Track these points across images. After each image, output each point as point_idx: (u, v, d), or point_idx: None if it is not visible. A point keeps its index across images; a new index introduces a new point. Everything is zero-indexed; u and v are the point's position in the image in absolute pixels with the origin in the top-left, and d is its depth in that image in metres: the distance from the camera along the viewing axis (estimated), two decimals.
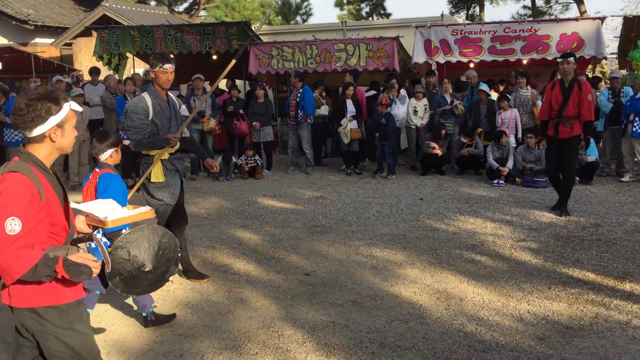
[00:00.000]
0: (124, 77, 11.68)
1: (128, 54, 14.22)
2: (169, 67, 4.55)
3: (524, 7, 26.81)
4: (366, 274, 5.15)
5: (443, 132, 10.19)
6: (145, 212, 3.06)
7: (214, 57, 14.53)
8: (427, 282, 4.91)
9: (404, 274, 5.14)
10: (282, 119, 13.38)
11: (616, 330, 3.88)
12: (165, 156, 4.71)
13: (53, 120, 2.36)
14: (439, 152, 10.15)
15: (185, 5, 30.57)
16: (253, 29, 14.83)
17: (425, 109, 10.80)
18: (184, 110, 5.07)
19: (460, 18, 23.07)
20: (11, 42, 19.64)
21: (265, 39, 14.90)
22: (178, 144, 4.77)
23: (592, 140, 9.21)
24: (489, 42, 11.61)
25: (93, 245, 3.53)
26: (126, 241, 2.78)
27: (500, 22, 11.93)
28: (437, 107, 10.76)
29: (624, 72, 12.07)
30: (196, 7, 29.66)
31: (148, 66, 15.68)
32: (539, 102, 10.12)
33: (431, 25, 12.20)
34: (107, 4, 20.11)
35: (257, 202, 8.27)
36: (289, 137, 10.97)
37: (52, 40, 20.54)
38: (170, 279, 3.46)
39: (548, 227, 6.53)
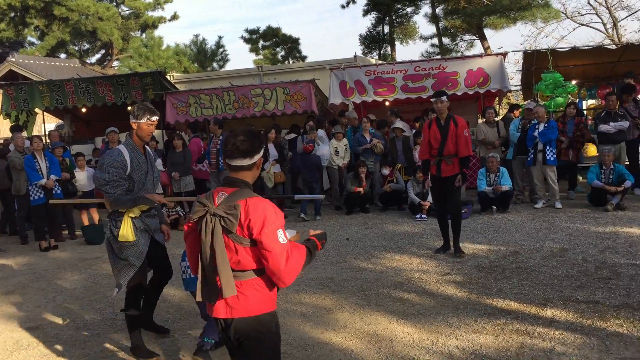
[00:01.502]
0: (32, 134, 11.17)
1: (37, 110, 13.69)
2: (155, 119, 4.44)
3: (432, 45, 28.08)
4: (296, 322, 5.04)
5: (364, 170, 10.36)
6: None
7: (129, 107, 14.23)
8: (357, 325, 4.87)
9: (334, 319, 5.07)
10: None
11: (541, 359, 3.96)
12: (136, 213, 4.40)
13: (261, 152, 2.81)
14: (362, 190, 10.28)
15: (98, 56, 30.01)
16: (168, 78, 14.70)
17: (345, 148, 10.97)
18: (159, 164, 4.76)
19: (373, 58, 23.84)
20: None
21: (181, 87, 14.77)
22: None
23: (504, 169, 9.63)
24: (401, 81, 12.03)
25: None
26: None
27: (411, 62, 12.42)
28: (358, 146, 10.96)
29: (534, 103, 12.70)
30: (109, 57, 29.16)
31: (60, 121, 15.23)
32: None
33: (345, 67, 12.51)
34: (14, 59, 19.40)
35: (178, 255, 7.99)
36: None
37: None
38: None
39: (471, 259, 6.68)
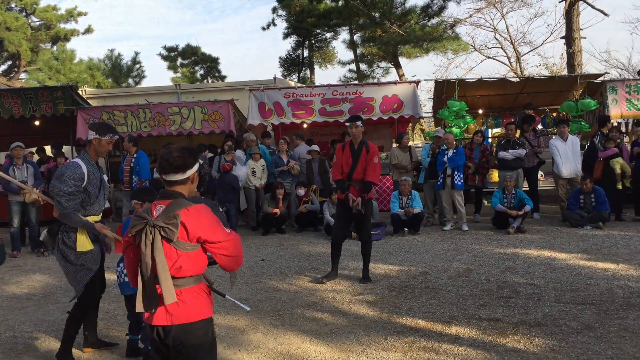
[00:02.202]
0: None
1: None
2: (116, 137, 4.75)
3: (350, 70, 28.83)
4: None
5: (281, 191, 10.44)
6: None
7: (37, 122, 13.65)
8: (270, 345, 4.88)
9: (247, 339, 5.06)
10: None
11: None
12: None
13: (196, 166, 2.96)
14: (278, 211, 10.34)
15: (4, 67, 28.53)
16: (80, 92, 14.22)
17: (262, 169, 11.01)
18: (105, 178, 4.82)
19: (293, 81, 24.14)
20: None
21: (94, 102, 14.34)
22: (101, 213, 4.73)
23: (416, 192, 10.01)
24: (319, 104, 12.27)
25: None
26: None
27: (329, 86, 12.70)
28: (275, 167, 11.04)
29: (443, 130, 13.29)
30: (16, 69, 27.80)
31: None
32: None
33: (264, 88, 12.61)
34: None
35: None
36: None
37: None
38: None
39: (383, 279, 6.88)
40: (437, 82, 13.72)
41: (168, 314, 2.80)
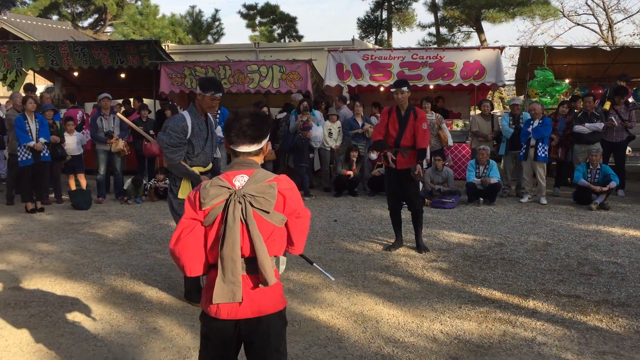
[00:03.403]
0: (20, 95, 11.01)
1: (28, 71, 13.52)
2: (219, 96, 4.74)
3: (430, 34, 28.08)
4: None
5: (355, 154, 10.42)
6: None
7: (122, 75, 14.13)
8: (343, 305, 4.94)
9: (321, 297, 5.15)
10: None
11: (523, 347, 4.07)
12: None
13: (268, 136, 2.63)
14: (351, 174, 10.35)
15: (90, 20, 29.57)
16: (163, 47, 14.57)
17: (339, 131, 11.00)
18: (219, 131, 5.05)
19: (370, 43, 23.79)
20: None
21: (176, 57, 14.66)
22: (210, 164, 4.90)
23: (494, 162, 9.74)
24: (398, 68, 12.04)
25: None
26: None
27: (409, 49, 12.43)
28: (349, 129, 11.00)
29: (522, 98, 12.87)
30: (102, 23, 28.75)
31: (50, 83, 15.05)
32: (444, 126, 10.59)
33: (343, 49, 12.49)
34: (5, 17, 19.07)
35: (168, 225, 8.04)
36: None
37: None
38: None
39: (457, 247, 6.79)
40: (522, 48, 13.16)
41: (254, 303, 2.46)
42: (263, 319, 2.47)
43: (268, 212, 2.43)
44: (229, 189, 2.42)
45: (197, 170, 4.76)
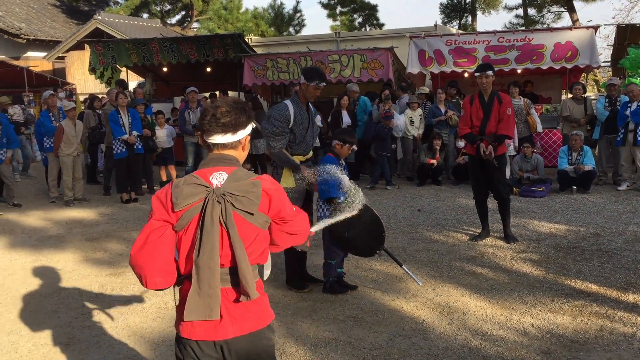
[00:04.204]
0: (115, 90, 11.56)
1: (122, 68, 14.19)
2: (323, 85, 4.84)
3: (517, 16, 26.99)
4: (367, 288, 5.08)
5: (439, 142, 10.19)
6: None
7: (208, 69, 14.54)
8: (428, 295, 4.85)
9: (404, 287, 5.08)
10: None
11: (622, 344, 3.83)
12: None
13: (249, 128, 2.32)
14: (435, 162, 10.14)
15: (178, 17, 30.63)
16: (247, 40, 14.86)
17: (420, 119, 10.80)
18: (318, 120, 5.21)
19: (453, 28, 23.18)
20: (3, 56, 19.55)
21: (258, 50, 14.91)
22: (311, 152, 5.02)
23: (588, 148, 9.22)
24: (483, 52, 11.64)
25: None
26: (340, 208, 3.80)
27: (494, 32, 11.99)
28: (432, 117, 10.77)
29: (618, 79, 12.10)
30: (189, 19, 29.72)
31: (142, 79, 15.74)
32: (533, 111, 10.14)
33: (425, 35, 12.22)
34: (100, 17, 20.09)
35: None
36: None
37: (45, 53, 20.49)
38: (378, 252, 4.74)
39: (548, 238, 6.49)
40: (619, 27, 12.38)
41: (236, 320, 2.15)
42: (249, 337, 2.17)
43: (252, 214, 2.13)
44: (206, 187, 2.12)
45: (297, 159, 4.85)
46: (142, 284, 2.13)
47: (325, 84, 4.89)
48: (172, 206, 2.11)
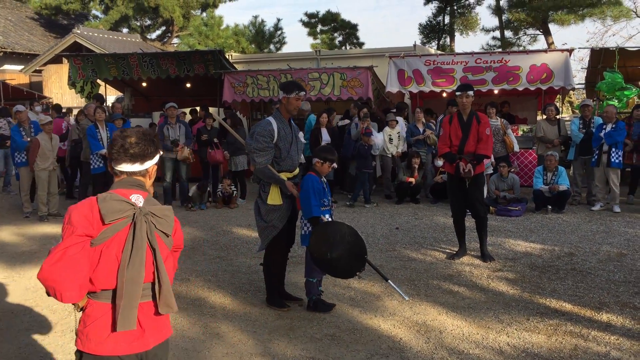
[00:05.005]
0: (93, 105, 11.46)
1: (100, 82, 14.10)
2: (303, 94, 4.92)
3: (494, 38, 27.42)
4: (344, 306, 5.08)
5: (417, 160, 10.28)
6: None
7: (188, 84, 14.52)
8: (405, 314, 4.86)
9: (382, 306, 5.08)
10: None
11: None
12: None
13: (156, 158, 2.45)
14: (413, 181, 10.22)
15: (158, 32, 30.59)
16: (227, 57, 14.88)
17: (399, 136, 10.90)
18: (301, 136, 5.21)
19: (432, 48, 23.48)
20: None
21: (239, 67, 14.93)
22: (297, 169, 5.02)
23: (563, 168, 9.38)
24: (461, 73, 11.82)
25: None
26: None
27: (472, 53, 12.18)
28: (410, 136, 10.88)
29: (592, 101, 12.36)
30: (169, 34, 29.71)
31: (121, 93, 15.66)
32: (510, 131, 10.29)
33: (404, 55, 12.37)
34: (79, 31, 19.99)
35: (232, 232, 8.16)
36: None
37: (22, 67, 20.28)
38: (358, 273, 4.68)
39: (523, 257, 6.56)
40: (593, 50, 12.63)
41: (154, 331, 2.32)
42: (161, 345, 2.39)
43: (168, 236, 2.32)
44: (132, 205, 2.23)
45: (284, 176, 4.85)
46: (56, 297, 2.15)
47: (304, 92, 4.96)
48: (100, 219, 2.18)
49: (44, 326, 4.78)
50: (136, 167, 2.35)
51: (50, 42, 22.92)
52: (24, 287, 5.84)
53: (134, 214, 2.22)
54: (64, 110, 13.39)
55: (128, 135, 2.35)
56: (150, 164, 2.41)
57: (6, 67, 20.56)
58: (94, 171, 9.24)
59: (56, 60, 19.14)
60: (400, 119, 11.32)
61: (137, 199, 2.28)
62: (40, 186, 9.19)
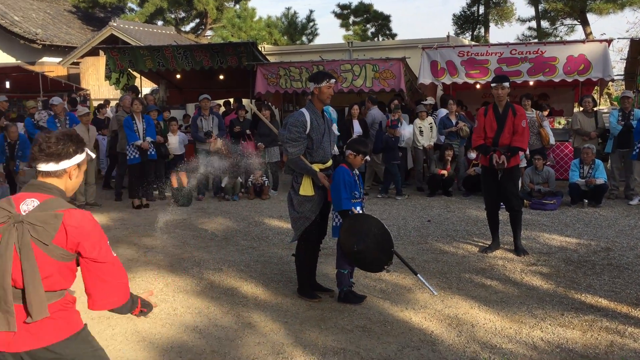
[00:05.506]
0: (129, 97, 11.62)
1: (135, 74, 14.31)
2: (333, 81, 4.92)
3: (530, 28, 26.92)
4: (375, 298, 5.08)
5: (450, 153, 10.19)
6: None
7: (221, 77, 14.63)
8: (437, 307, 4.85)
9: (413, 298, 5.08)
10: None
11: (632, 359, 3.80)
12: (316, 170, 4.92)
13: (77, 159, 2.44)
14: (445, 173, 10.14)
15: (192, 25, 30.84)
16: (260, 49, 14.94)
17: (431, 128, 10.81)
18: (335, 128, 5.27)
19: (466, 39, 23.17)
20: (19, 61, 19.79)
21: (271, 59, 14.97)
22: (330, 161, 5.03)
23: (600, 161, 9.18)
24: (495, 64, 11.62)
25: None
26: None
27: (507, 44, 11.96)
28: (443, 128, 10.78)
29: (632, 92, 12.05)
30: (203, 27, 29.93)
31: (156, 85, 15.88)
32: (545, 124, 10.12)
33: (438, 46, 12.23)
34: (115, 24, 20.28)
35: (264, 223, 8.23)
36: None
37: (60, 59, 20.70)
38: (386, 267, 4.72)
39: (558, 251, 6.46)
40: (633, 40, 12.30)
41: (31, 335, 2.29)
42: (52, 347, 2.32)
43: (47, 245, 2.25)
44: (9, 212, 2.25)
45: (316, 167, 4.87)
46: None
47: (334, 80, 4.98)
48: None
49: (82, 313, 4.90)
50: (51, 166, 2.36)
51: (87, 34, 23.32)
52: None
53: (5, 222, 2.25)
54: (101, 102, 13.66)
55: (49, 135, 2.39)
56: (68, 164, 2.40)
57: (45, 59, 21.01)
58: (130, 162, 9.40)
59: (93, 52, 19.47)
60: (443, 110, 11.20)
61: (31, 203, 2.30)
62: None
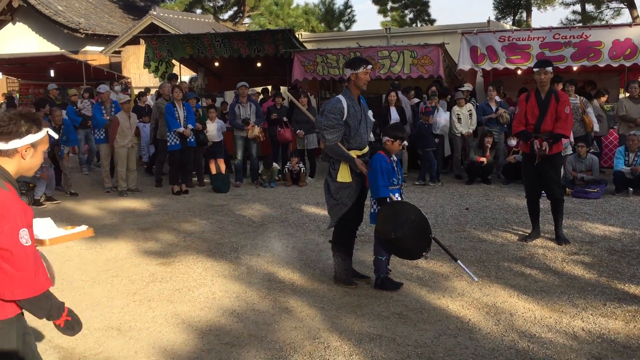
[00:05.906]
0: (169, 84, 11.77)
1: (174, 62, 14.49)
2: (370, 67, 4.92)
3: (574, 12, 26.22)
4: (412, 285, 5.06)
5: (490, 140, 10.02)
6: (82, 231, 3.10)
7: (258, 64, 14.69)
8: (475, 295, 4.80)
9: (451, 286, 5.04)
10: None
11: None
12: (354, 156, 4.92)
13: (30, 139, 2.39)
14: (485, 160, 9.98)
15: (230, 13, 31.01)
16: (297, 36, 14.94)
17: (470, 114, 10.64)
18: (370, 114, 5.30)
19: (507, 24, 22.68)
20: (63, 50, 20.29)
21: (308, 46, 14.94)
22: (367, 147, 5.04)
23: None
24: (537, 49, 11.33)
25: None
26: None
27: (550, 28, 11.66)
28: (482, 115, 10.60)
29: None
30: (240, 14, 30.05)
31: (194, 73, 16.06)
32: (590, 110, 9.85)
33: (478, 31, 12.00)
34: (155, 13, 20.54)
35: (301, 209, 8.27)
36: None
37: (102, 48, 21.13)
38: (424, 254, 4.63)
39: (601, 240, 6.31)
40: None
41: None
42: None
43: None
44: None
45: (353, 153, 4.86)
46: None
47: (371, 66, 4.94)
48: None
49: (124, 295, 5.03)
50: (0, 145, 2.34)
51: (128, 23, 23.72)
52: (105, 258, 6.16)
53: None
54: (142, 90, 13.89)
55: (3, 114, 2.37)
56: (19, 143, 2.35)
57: (88, 48, 21.49)
58: (171, 148, 9.55)
59: (134, 41, 19.80)
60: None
61: None
62: (120, 162, 9.62)
